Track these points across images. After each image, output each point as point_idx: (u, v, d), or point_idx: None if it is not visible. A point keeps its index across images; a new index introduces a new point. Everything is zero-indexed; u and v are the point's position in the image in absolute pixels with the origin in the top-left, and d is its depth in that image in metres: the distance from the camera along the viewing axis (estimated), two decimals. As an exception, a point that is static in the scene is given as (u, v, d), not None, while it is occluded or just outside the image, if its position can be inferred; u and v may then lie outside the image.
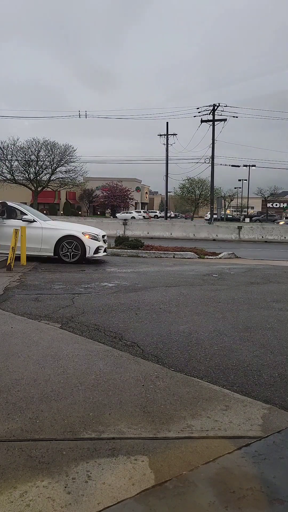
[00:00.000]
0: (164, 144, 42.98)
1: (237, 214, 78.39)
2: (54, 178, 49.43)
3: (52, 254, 10.73)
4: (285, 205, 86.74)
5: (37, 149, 47.54)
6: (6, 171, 47.91)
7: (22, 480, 2.14)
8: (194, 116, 38.02)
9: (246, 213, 75.62)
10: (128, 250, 14.14)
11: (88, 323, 5.06)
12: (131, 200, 67.46)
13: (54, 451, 2.40)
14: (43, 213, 16.35)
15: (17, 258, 9.86)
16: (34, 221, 10.81)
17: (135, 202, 74.12)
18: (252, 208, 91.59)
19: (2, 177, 47.96)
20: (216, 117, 36.54)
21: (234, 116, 37.43)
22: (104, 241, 11.52)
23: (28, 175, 47.98)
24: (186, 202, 68.18)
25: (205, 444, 2.50)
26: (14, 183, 47.59)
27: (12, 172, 47.80)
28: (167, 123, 44.42)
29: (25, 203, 17.66)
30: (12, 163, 47.69)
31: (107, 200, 62.03)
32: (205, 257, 13.89)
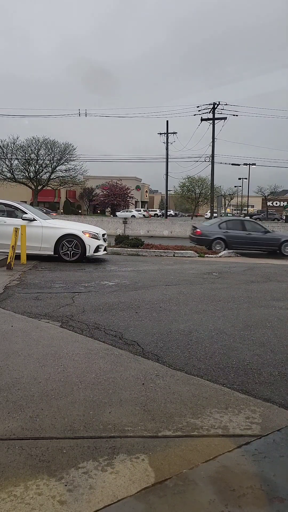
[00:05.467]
0: (164, 142, 42.90)
1: (237, 213, 78.34)
2: (54, 177, 49.41)
3: (52, 253, 10.73)
4: (285, 203, 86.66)
5: (37, 147, 47.54)
6: (6, 170, 47.90)
7: (23, 478, 2.15)
8: (194, 115, 37.96)
9: (246, 212, 75.58)
10: (128, 249, 14.14)
11: (88, 322, 5.06)
12: (131, 199, 67.44)
13: (55, 449, 2.40)
14: (43, 211, 16.34)
15: (17, 257, 9.86)
16: (34, 220, 10.81)
17: (135, 201, 74.11)
18: (252, 206, 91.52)
19: (2, 176, 47.94)
20: (216, 116, 36.48)
21: (234, 115, 37.38)
22: (104, 240, 11.52)
23: (28, 174, 47.96)
24: (186, 200, 68.16)
25: (205, 443, 2.51)
26: (14, 182, 47.59)
27: (12, 171, 47.79)
28: (167, 121, 44.33)
29: (25, 202, 17.72)
30: (12, 162, 47.68)
31: (107, 198, 61.98)
32: (205, 255, 13.88)
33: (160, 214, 70.32)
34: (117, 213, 58.35)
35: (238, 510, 1.96)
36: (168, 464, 2.28)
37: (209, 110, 36.53)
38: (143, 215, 59.69)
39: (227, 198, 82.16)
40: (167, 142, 42.49)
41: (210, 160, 37.32)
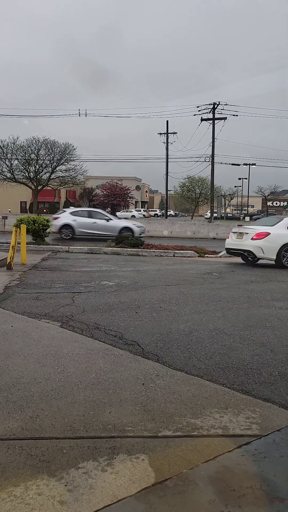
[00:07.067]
0: (164, 142, 42.84)
1: (237, 213, 78.34)
2: (54, 177, 49.37)
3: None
4: (285, 203, 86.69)
5: (37, 147, 47.47)
6: (6, 170, 47.85)
7: (23, 478, 2.15)
8: (194, 115, 37.95)
9: (246, 212, 75.57)
10: (128, 249, 14.13)
11: (88, 322, 5.06)
12: (131, 199, 67.46)
13: (55, 449, 2.40)
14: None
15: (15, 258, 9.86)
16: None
17: (135, 201, 74.10)
18: (252, 206, 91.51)
19: (2, 176, 47.89)
20: (216, 116, 36.47)
21: (234, 115, 37.37)
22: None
23: (28, 174, 47.91)
24: (186, 200, 68.17)
25: (205, 443, 2.51)
26: (14, 182, 47.55)
27: (12, 171, 47.73)
28: (167, 121, 44.27)
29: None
30: (12, 162, 47.64)
31: (107, 198, 61.98)
32: (205, 255, 13.88)
33: (160, 214, 70.34)
34: (117, 213, 58.36)
35: (238, 510, 1.95)
36: (168, 464, 2.28)
37: (209, 110, 36.52)
38: (143, 215, 59.72)
39: (227, 198, 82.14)
40: (167, 142, 42.46)
41: (210, 160, 37.31)
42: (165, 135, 42.66)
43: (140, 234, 18.89)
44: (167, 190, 46.28)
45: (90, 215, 19.88)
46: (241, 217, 64.36)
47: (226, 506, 1.97)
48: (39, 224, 14.49)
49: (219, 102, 36.25)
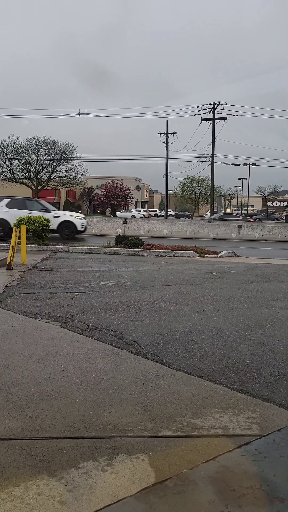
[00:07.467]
0: (164, 142, 42.91)
1: (237, 213, 78.33)
2: (54, 177, 49.38)
3: None
4: (285, 203, 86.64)
5: (37, 147, 47.49)
6: (6, 170, 47.87)
7: (23, 478, 2.15)
8: (194, 115, 38.03)
9: (246, 212, 75.57)
10: (128, 249, 14.13)
11: (88, 322, 5.06)
12: (131, 199, 67.47)
13: (55, 449, 2.40)
14: None
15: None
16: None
17: (135, 201, 74.11)
18: (252, 206, 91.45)
19: (2, 176, 47.91)
20: (216, 116, 36.52)
21: (234, 115, 37.42)
22: None
23: (28, 174, 47.92)
24: (186, 200, 68.15)
25: (205, 443, 2.51)
26: (14, 182, 47.56)
27: (12, 171, 47.75)
28: (167, 121, 44.37)
29: None
30: (12, 162, 47.65)
31: (107, 198, 62.01)
32: (205, 255, 13.88)
33: (160, 214, 70.38)
34: (117, 213, 58.34)
35: (238, 510, 1.96)
36: (168, 464, 2.28)
37: (209, 110, 36.56)
38: (143, 215, 59.72)
39: (227, 198, 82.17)
40: (167, 142, 42.49)
41: (210, 160, 37.34)
42: (165, 135, 42.69)
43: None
44: (167, 190, 46.32)
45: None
46: (241, 217, 64.35)
47: (226, 506, 1.97)
48: (39, 224, 14.51)
49: (219, 102, 36.30)
